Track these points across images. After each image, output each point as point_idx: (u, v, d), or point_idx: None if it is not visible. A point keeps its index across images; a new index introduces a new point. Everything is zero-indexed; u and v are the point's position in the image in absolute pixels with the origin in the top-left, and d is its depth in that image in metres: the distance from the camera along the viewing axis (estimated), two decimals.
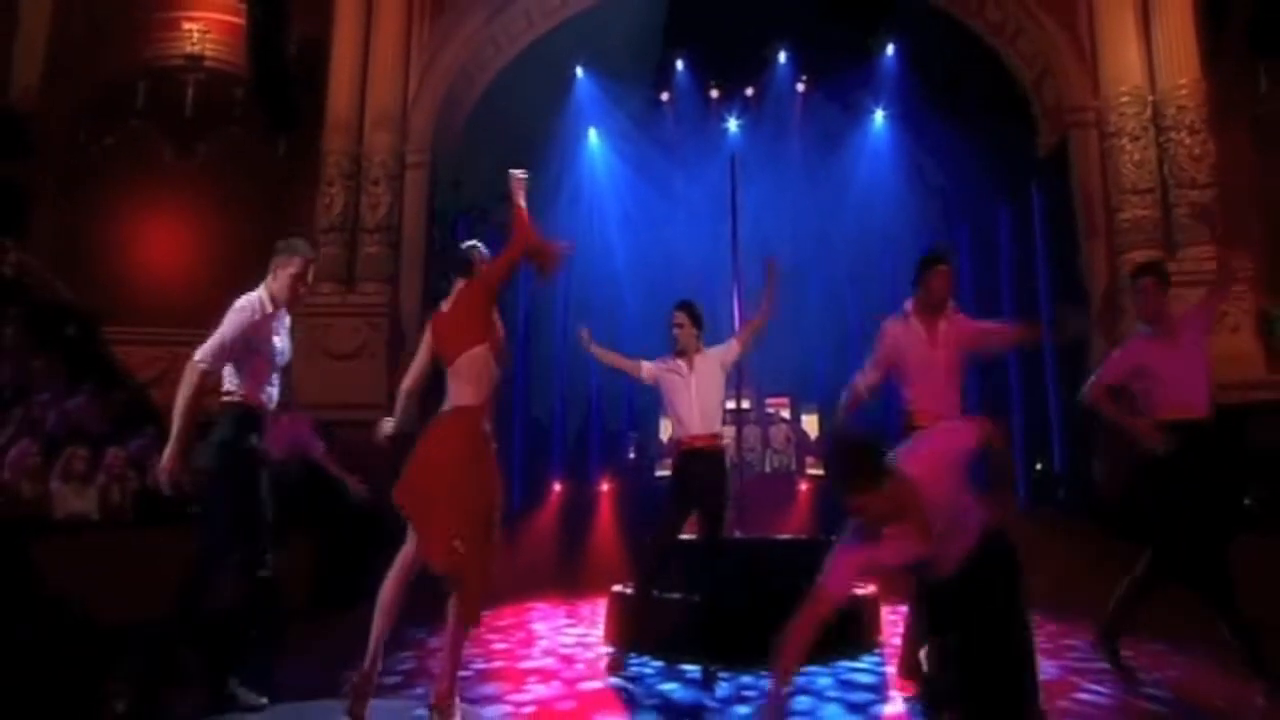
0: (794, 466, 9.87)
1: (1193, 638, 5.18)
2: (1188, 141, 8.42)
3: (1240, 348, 8.08)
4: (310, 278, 3.75)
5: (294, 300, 3.68)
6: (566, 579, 8.10)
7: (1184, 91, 8.49)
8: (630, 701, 3.74)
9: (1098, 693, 3.75)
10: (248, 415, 3.49)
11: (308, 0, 9.96)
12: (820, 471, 9.12)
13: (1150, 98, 8.64)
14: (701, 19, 9.58)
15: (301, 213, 9.75)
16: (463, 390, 3.33)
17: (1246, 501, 6.95)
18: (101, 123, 9.78)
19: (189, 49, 9.73)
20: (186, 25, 9.80)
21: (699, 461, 4.44)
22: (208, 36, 9.77)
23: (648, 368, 4.69)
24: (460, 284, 3.50)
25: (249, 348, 3.46)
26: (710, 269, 9.35)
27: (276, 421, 5.11)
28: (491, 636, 5.36)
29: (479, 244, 3.63)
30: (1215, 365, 9.10)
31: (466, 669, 4.33)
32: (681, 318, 4.66)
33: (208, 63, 9.76)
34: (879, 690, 3.91)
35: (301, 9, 9.90)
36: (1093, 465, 8.44)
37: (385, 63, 9.85)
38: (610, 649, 4.80)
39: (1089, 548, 6.28)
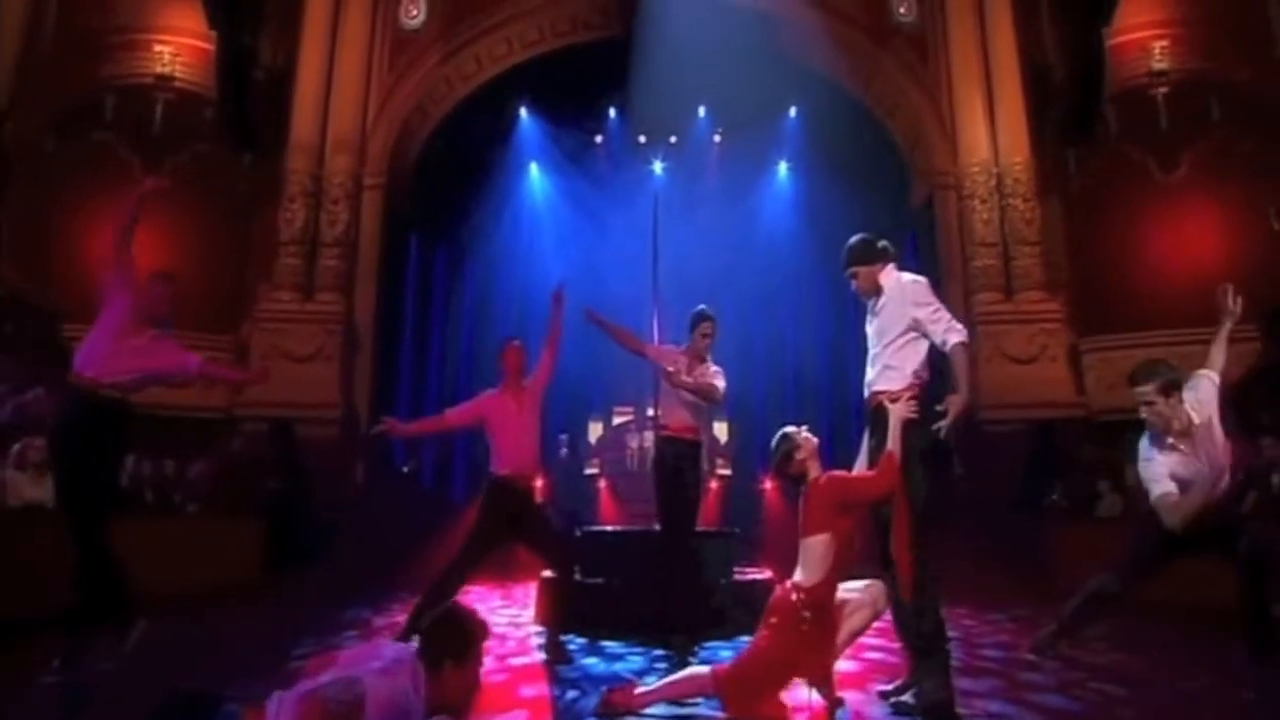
0: (705, 467, 10.02)
1: (1022, 606, 5.59)
2: (1021, 207, 9.19)
3: (1056, 374, 8.81)
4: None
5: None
6: (502, 565, 7.97)
7: (1018, 167, 9.27)
8: (554, 675, 3.73)
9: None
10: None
11: (275, 31, 9.61)
12: (728, 472, 9.24)
13: (994, 169, 9.37)
14: (633, 74, 9.72)
15: (264, 226, 9.37)
16: (803, 568, 2.92)
17: (1054, 497, 7.54)
18: (70, 133, 9.12)
19: (159, 69, 9.18)
20: (158, 47, 9.24)
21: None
22: (178, 59, 9.23)
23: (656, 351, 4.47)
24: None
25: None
26: (633, 291, 9.46)
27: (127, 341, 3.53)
28: None
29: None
30: (1036, 388, 9.85)
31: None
32: (711, 328, 4.39)
33: (178, 83, 9.23)
34: None
35: (269, 39, 9.54)
36: (952, 462, 8.93)
37: (347, 93, 9.61)
38: (540, 628, 4.78)
39: (948, 540, 6.60)
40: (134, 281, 3.65)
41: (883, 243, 3.31)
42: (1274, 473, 5.63)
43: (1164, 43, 9.23)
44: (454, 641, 1.94)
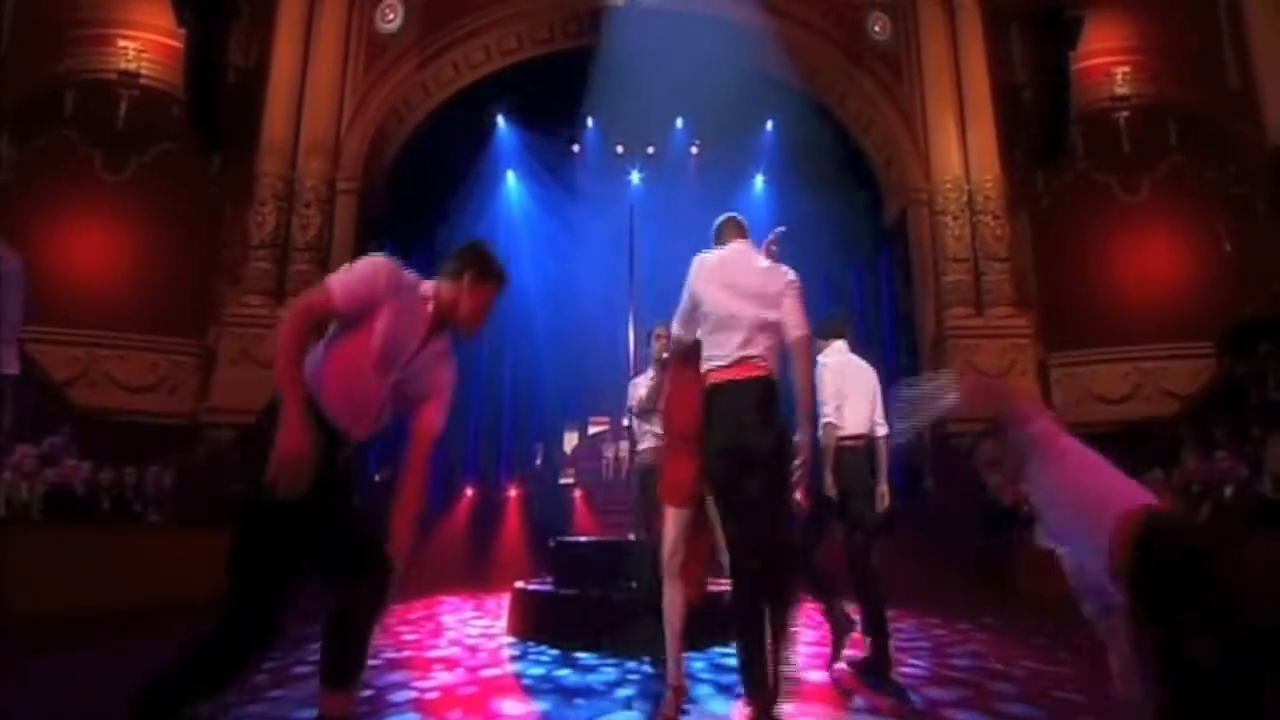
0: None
1: (990, 615, 5.70)
2: (991, 224, 9.44)
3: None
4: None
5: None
6: (475, 575, 7.94)
7: (989, 185, 9.54)
8: (526, 687, 3.71)
9: (916, 665, 4.06)
10: None
11: (247, 29, 9.49)
12: None
13: (966, 186, 9.62)
14: (611, 84, 9.79)
15: (233, 228, 9.21)
16: None
17: (1025, 507, 7.71)
18: (29, 128, 8.88)
19: (124, 65, 9.00)
20: (122, 43, 9.07)
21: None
22: (144, 55, 9.07)
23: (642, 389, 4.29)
24: None
25: None
26: (609, 300, 9.51)
27: None
28: (402, 628, 5.19)
29: None
30: None
31: (376, 658, 4.18)
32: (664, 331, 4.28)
33: (143, 80, 9.06)
34: None
35: (240, 37, 9.41)
36: (923, 481, 9.09)
37: (321, 95, 9.52)
38: (512, 639, 4.75)
39: (919, 548, 6.76)
40: None
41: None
42: (1227, 485, 5.84)
43: (1126, 69, 9.62)
44: (481, 261, 2.16)
